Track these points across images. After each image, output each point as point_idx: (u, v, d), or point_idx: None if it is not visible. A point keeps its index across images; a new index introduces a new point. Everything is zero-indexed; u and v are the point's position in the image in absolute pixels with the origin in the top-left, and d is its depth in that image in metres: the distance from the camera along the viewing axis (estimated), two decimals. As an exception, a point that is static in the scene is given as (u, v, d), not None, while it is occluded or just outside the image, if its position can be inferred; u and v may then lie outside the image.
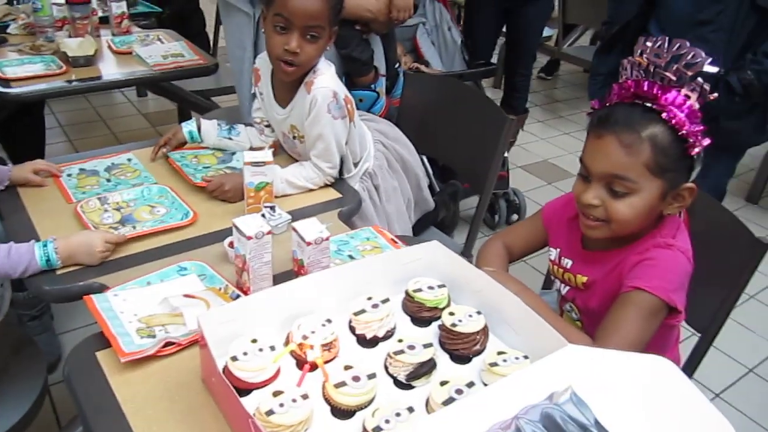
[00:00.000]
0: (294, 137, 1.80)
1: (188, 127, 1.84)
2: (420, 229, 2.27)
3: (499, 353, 1.11)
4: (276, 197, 1.62)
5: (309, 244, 1.24)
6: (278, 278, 1.33)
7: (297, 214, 1.58)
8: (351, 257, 1.46)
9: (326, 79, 1.69)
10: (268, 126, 1.89)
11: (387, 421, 0.95)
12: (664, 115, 1.17)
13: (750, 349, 2.53)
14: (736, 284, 1.39)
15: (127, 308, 1.25)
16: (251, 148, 1.81)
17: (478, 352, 1.16)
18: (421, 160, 2.20)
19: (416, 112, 2.35)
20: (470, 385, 1.04)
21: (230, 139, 1.88)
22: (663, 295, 1.20)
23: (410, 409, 0.97)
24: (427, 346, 1.11)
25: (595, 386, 0.99)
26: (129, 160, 1.83)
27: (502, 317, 1.19)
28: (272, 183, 1.54)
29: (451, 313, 1.18)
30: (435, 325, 1.23)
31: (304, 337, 1.09)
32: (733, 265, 1.40)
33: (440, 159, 2.53)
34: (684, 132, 1.17)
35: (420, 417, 0.99)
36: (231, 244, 1.41)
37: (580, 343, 1.08)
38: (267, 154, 1.52)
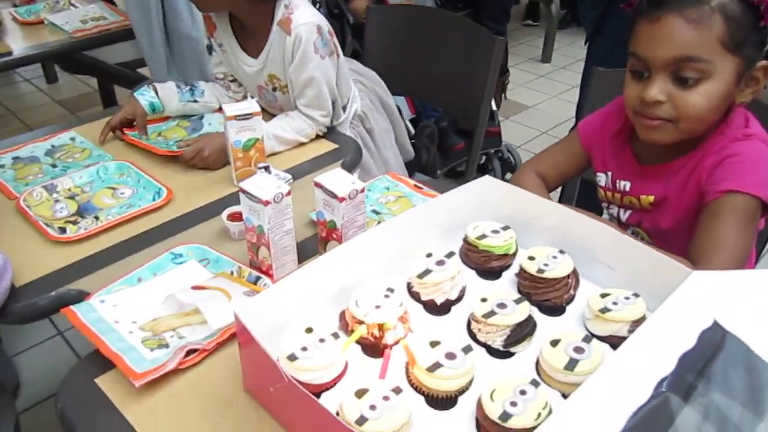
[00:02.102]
0: (275, 89, 1.52)
1: (146, 97, 1.51)
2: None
3: (603, 296, 0.91)
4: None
5: (342, 199, 1.00)
6: (300, 249, 1.09)
7: (293, 174, 1.32)
8: (376, 212, 1.22)
9: (305, 12, 1.42)
10: (234, 81, 1.60)
11: (513, 404, 0.73)
12: None
13: None
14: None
15: (122, 315, 0.98)
16: (220, 108, 1.53)
17: (571, 299, 0.96)
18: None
19: (383, 48, 2.09)
20: (587, 339, 0.84)
21: (195, 101, 1.57)
22: (760, 192, 1.02)
23: (534, 383, 0.76)
24: (518, 301, 0.89)
25: (743, 317, 0.80)
26: (72, 139, 1.51)
27: (591, 253, 0.98)
28: (262, 138, 1.27)
29: (531, 258, 0.97)
30: (507, 276, 1.02)
31: (371, 314, 0.85)
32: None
33: (421, 98, 2.29)
34: None
35: (547, 392, 0.78)
36: (232, 217, 1.15)
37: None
38: (252, 104, 1.25)
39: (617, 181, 1.21)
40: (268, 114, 1.60)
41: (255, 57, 1.49)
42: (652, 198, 1.15)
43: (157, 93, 1.51)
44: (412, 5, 2.39)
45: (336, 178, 1.02)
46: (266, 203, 0.97)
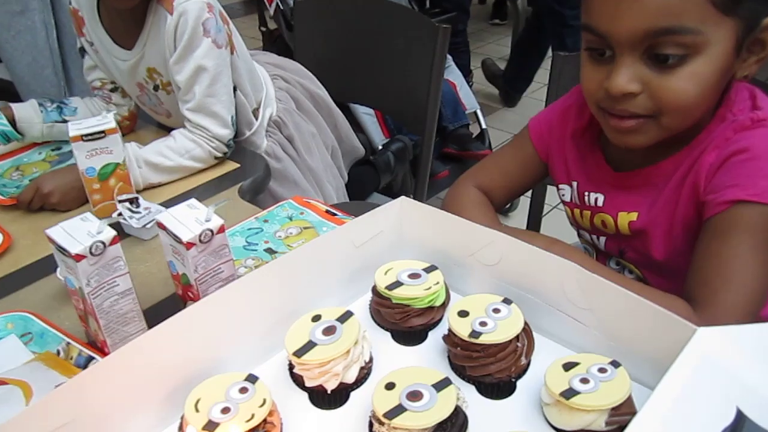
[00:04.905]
0: (157, 87, 1.22)
1: None
2: (359, 198, 1.76)
3: (567, 367, 0.62)
4: (138, 191, 1.06)
5: (190, 245, 0.70)
6: (155, 313, 0.79)
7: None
8: (271, 251, 0.93)
9: None
10: (115, 90, 1.31)
11: None
12: None
13: None
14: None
15: None
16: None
17: (523, 370, 0.67)
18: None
19: (315, 49, 1.80)
20: (544, 444, 0.55)
21: (64, 120, 1.27)
22: None
23: None
24: (441, 385, 0.60)
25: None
26: None
27: (548, 300, 0.69)
28: (125, 163, 0.98)
29: (463, 313, 0.67)
30: (434, 337, 0.73)
31: (210, 425, 0.56)
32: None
33: (360, 102, 2.00)
34: None
35: None
36: (67, 273, 0.86)
37: (682, 314, 0.61)
38: (106, 119, 0.95)
39: (585, 193, 0.92)
40: (161, 131, 1.31)
41: (129, 49, 1.19)
42: (635, 216, 0.86)
43: (11, 118, 1.21)
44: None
45: (183, 215, 0.72)
46: (78, 258, 0.67)
